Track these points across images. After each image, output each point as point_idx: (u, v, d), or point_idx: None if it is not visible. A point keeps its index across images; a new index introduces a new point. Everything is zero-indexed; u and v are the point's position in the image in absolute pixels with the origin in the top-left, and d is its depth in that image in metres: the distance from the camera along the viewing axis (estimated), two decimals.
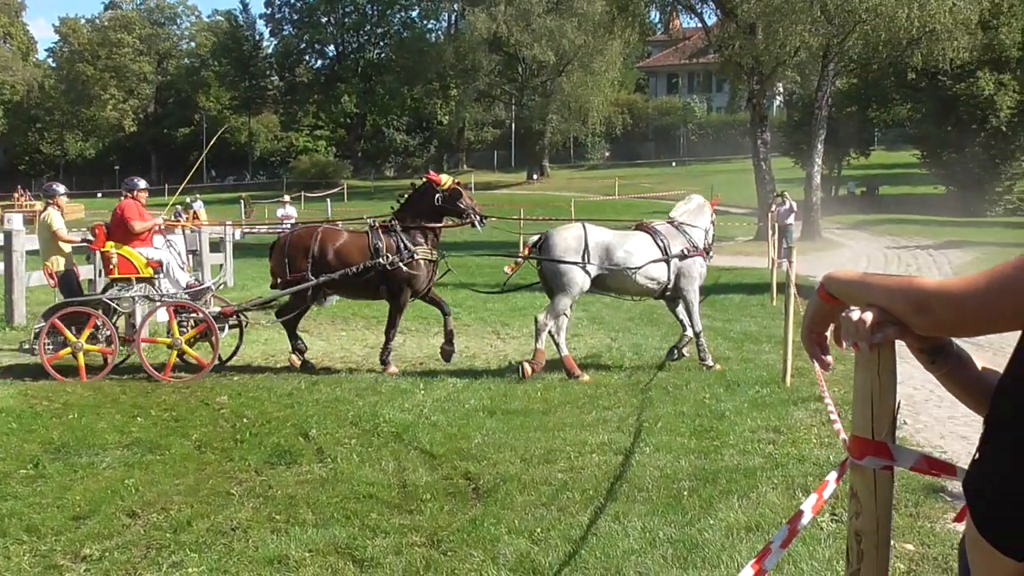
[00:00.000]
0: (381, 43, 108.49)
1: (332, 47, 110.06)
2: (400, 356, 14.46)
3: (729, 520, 6.61)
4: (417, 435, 9.35)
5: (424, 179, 14.00)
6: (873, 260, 33.41)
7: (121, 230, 13.77)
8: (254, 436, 9.44)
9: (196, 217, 37.63)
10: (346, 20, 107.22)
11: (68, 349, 12.91)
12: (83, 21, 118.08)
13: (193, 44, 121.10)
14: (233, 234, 27.23)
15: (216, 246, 23.43)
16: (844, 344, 2.18)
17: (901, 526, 6.41)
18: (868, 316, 2.06)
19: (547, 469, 8.10)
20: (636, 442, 8.89)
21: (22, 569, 6.12)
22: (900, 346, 2.17)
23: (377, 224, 13.66)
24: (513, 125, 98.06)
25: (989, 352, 1.76)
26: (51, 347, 12.93)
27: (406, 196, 13.94)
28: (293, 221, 27.18)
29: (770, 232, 26.28)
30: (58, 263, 14.72)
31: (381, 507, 7.15)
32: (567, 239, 13.03)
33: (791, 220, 32.00)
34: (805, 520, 2.90)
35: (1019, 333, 1.70)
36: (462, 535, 6.50)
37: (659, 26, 64.00)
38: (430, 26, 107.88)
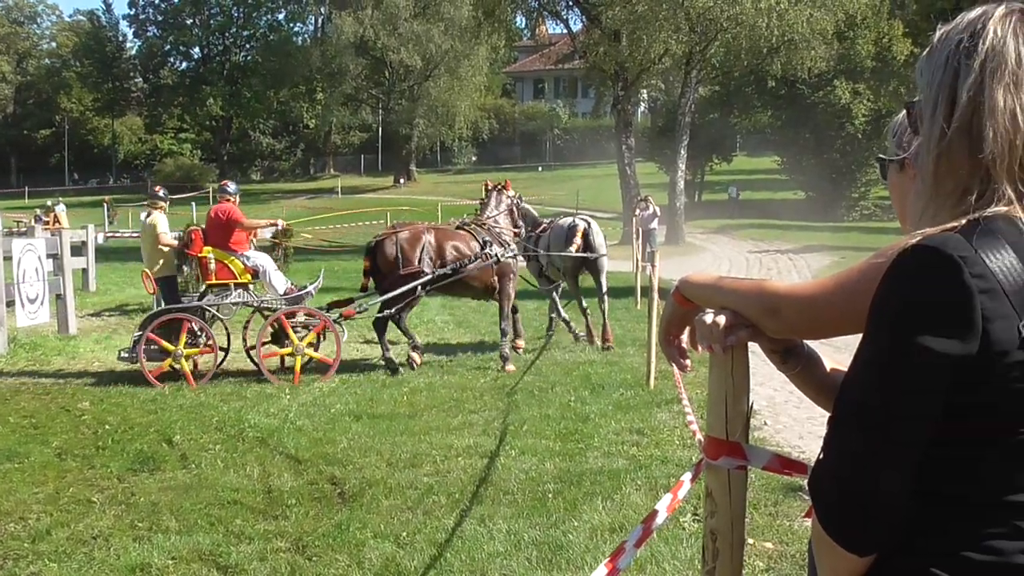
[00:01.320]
0: (247, 46, 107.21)
1: (197, 49, 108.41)
2: (269, 362, 14.34)
3: (593, 522, 6.68)
4: (282, 440, 9.31)
5: (500, 185, 15.60)
6: (735, 264, 33.95)
7: (219, 234, 13.54)
8: (116, 443, 9.31)
9: (57, 220, 36.75)
10: (211, 22, 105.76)
11: (169, 359, 12.87)
12: None
13: (54, 44, 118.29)
14: (96, 238, 26.70)
15: (78, 250, 22.97)
16: (699, 347, 2.23)
17: (761, 525, 6.54)
18: (721, 319, 2.12)
19: (413, 473, 8.11)
20: (502, 445, 8.94)
21: None
22: (757, 348, 2.23)
23: (469, 223, 14.66)
24: (380, 129, 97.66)
25: (846, 353, 1.82)
26: (150, 355, 12.82)
27: (484, 199, 15.53)
28: None
29: (635, 236, 26.57)
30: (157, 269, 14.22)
31: (246, 513, 7.10)
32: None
33: (655, 224, 32.35)
34: (660, 520, 2.95)
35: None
36: (327, 540, 6.48)
37: (525, 32, 64.42)
38: (296, 29, 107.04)
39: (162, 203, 14.82)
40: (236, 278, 13.39)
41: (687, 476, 3.04)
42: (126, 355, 13.12)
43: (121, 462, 8.61)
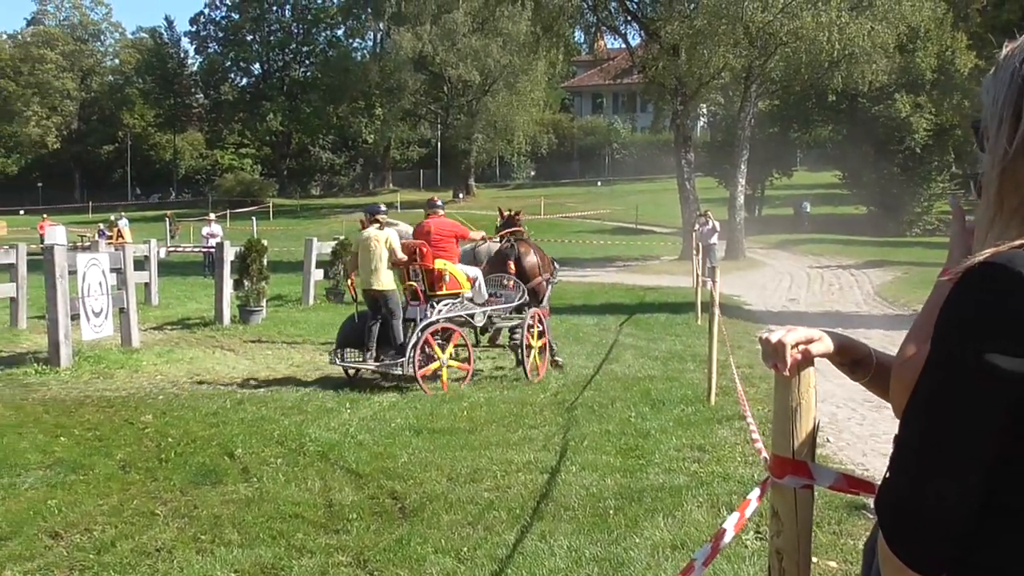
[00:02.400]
0: (306, 62, 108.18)
1: (257, 65, 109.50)
2: (326, 375, 14.42)
3: (655, 538, 6.65)
4: (343, 454, 9.32)
5: (517, 211, 16.63)
6: (796, 279, 33.76)
7: (447, 246, 14.26)
8: (179, 456, 9.35)
9: (120, 235, 37.19)
10: (271, 38, 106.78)
11: (437, 363, 13.47)
12: (4, 36, 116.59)
13: (117, 61, 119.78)
14: (158, 252, 26.93)
15: (141, 264, 23.24)
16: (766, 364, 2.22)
17: (824, 543, 6.48)
18: (788, 338, 2.11)
19: (473, 488, 8.10)
20: (562, 461, 8.91)
21: None
22: (821, 363, 2.22)
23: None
24: (439, 144, 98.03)
25: None
26: (421, 361, 13.42)
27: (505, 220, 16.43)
28: (219, 239, 26.90)
29: (694, 251, 26.48)
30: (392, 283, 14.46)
31: (307, 527, 7.12)
32: None
33: (715, 239, 32.31)
34: (727, 538, 2.94)
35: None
36: (388, 554, 6.49)
37: (584, 47, 64.43)
38: (355, 45, 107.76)
39: (384, 217, 15.06)
40: (462, 287, 14.06)
41: (754, 494, 3.03)
42: (386, 363, 13.71)
43: (183, 475, 8.65)
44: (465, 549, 6.57)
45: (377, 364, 13.71)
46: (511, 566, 6.21)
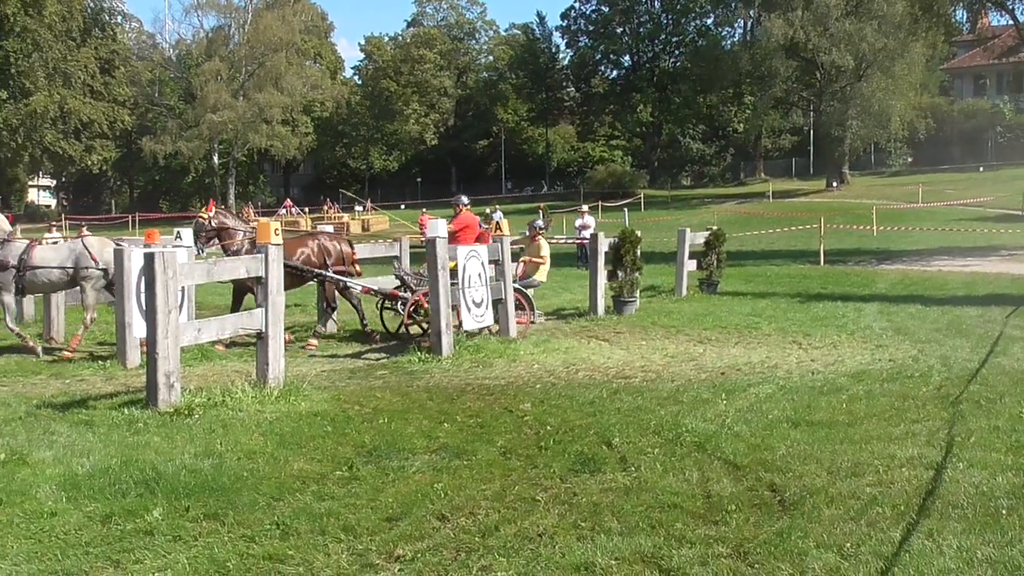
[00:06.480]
0: (676, 52, 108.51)
1: (627, 57, 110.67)
2: (700, 366, 14.38)
3: None
4: (720, 445, 9.25)
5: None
6: None
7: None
8: (557, 444, 9.51)
9: (499, 228, 38.38)
10: (641, 30, 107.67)
11: None
12: (386, 39, 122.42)
13: (491, 58, 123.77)
14: None
15: (516, 255, 23.89)
16: None
17: None
18: None
19: (854, 483, 7.89)
20: (948, 457, 8.57)
21: (341, 566, 6.35)
22: None
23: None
24: (811, 132, 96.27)
25: None
26: None
27: None
28: (591, 231, 27.32)
29: None
30: None
31: (685, 517, 7.11)
32: None
33: None
34: None
35: None
36: (768, 547, 6.40)
37: (965, 25, 61.77)
38: (725, 33, 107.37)
39: None
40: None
41: None
42: None
43: (562, 463, 8.78)
44: (848, 545, 6.41)
45: None
46: (898, 564, 6.01)
